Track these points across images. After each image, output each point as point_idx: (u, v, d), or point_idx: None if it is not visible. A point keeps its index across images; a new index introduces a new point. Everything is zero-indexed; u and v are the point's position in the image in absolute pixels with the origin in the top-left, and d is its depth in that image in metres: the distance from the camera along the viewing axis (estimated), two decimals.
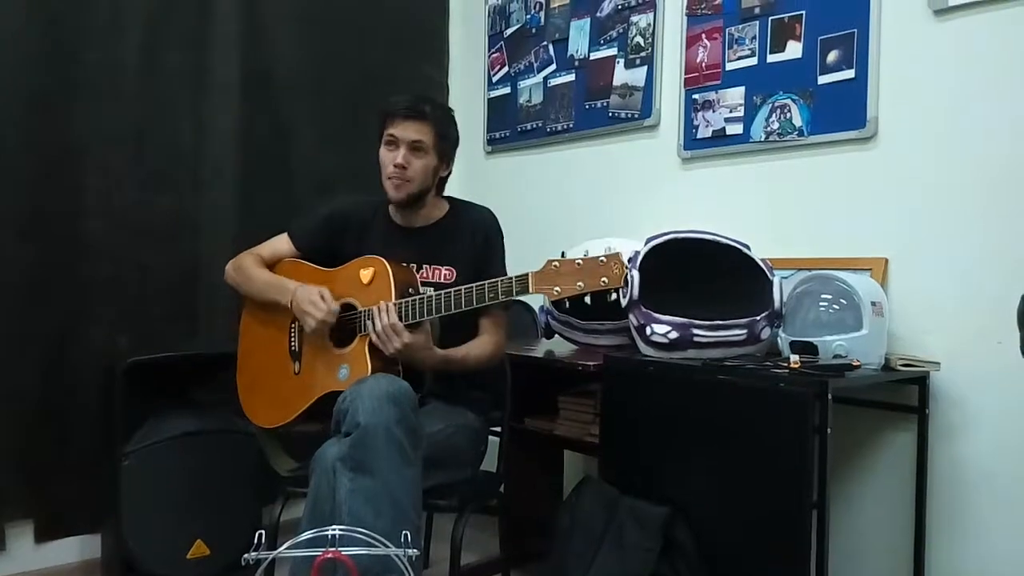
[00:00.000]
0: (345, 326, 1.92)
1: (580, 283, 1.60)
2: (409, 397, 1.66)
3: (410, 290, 1.83)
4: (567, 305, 1.67)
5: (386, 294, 1.83)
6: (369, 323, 1.79)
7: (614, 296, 1.60)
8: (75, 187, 2.41)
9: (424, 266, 2.01)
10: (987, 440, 1.89)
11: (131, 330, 2.48)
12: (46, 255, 2.37)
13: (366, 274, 1.90)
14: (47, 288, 2.37)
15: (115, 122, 2.47)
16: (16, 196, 2.32)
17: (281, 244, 2.12)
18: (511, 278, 1.70)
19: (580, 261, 1.62)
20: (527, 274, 1.68)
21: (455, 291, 1.76)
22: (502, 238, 2.09)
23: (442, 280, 1.99)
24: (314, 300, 1.88)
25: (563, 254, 1.69)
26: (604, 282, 1.58)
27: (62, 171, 2.39)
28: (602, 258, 1.59)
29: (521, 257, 2.06)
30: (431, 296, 1.78)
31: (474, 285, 1.74)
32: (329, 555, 1.29)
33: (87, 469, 2.39)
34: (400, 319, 1.78)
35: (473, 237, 2.03)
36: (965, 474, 1.93)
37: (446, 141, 2.00)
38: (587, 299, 1.62)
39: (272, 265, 2.11)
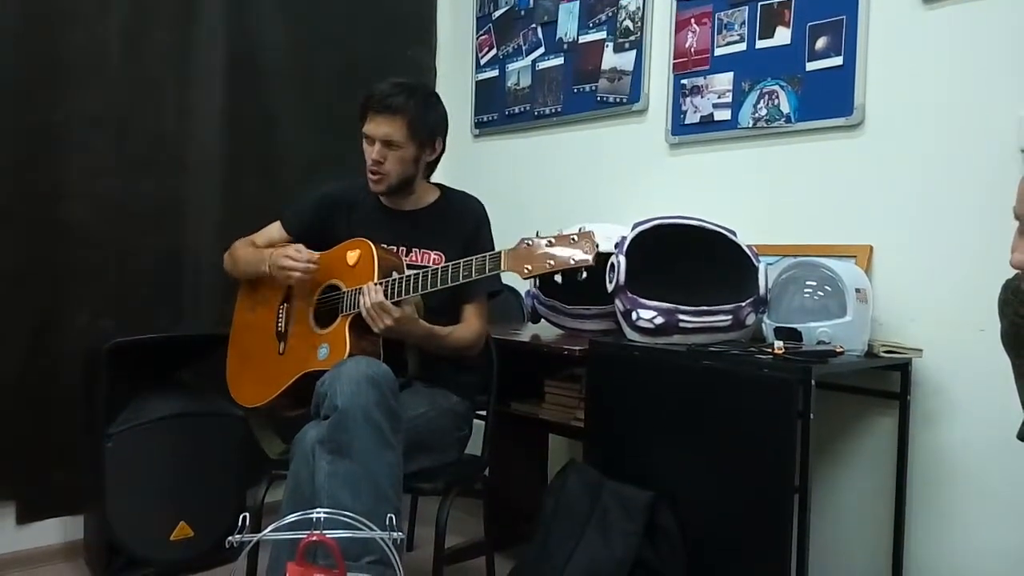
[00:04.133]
0: (328, 306, 1.92)
1: (551, 261, 1.61)
2: (388, 380, 1.67)
3: (394, 273, 1.84)
4: (538, 283, 1.67)
5: (370, 276, 1.83)
6: (361, 298, 1.79)
7: (584, 275, 1.60)
8: (57, 171, 2.38)
9: (413, 249, 2.02)
10: (967, 427, 1.91)
11: (114, 315, 2.46)
12: (28, 239, 2.33)
13: (352, 256, 1.91)
14: (29, 272, 2.34)
15: (98, 106, 2.43)
16: None
17: (274, 231, 2.14)
18: (484, 256, 1.71)
19: (552, 240, 1.62)
20: (500, 252, 1.69)
21: (432, 270, 1.77)
22: (490, 227, 2.10)
23: (431, 264, 1.99)
24: (288, 254, 1.92)
25: (537, 233, 1.68)
26: (574, 261, 1.58)
27: (44, 155, 2.35)
28: (573, 237, 1.60)
29: (507, 241, 2.05)
30: (410, 275, 1.79)
31: (450, 264, 1.75)
32: (313, 538, 1.29)
33: (70, 450, 2.38)
34: (385, 298, 1.79)
35: (464, 224, 2.04)
36: (945, 460, 1.95)
37: (423, 130, 1.97)
38: (557, 278, 1.62)
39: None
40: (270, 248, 2.02)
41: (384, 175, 1.96)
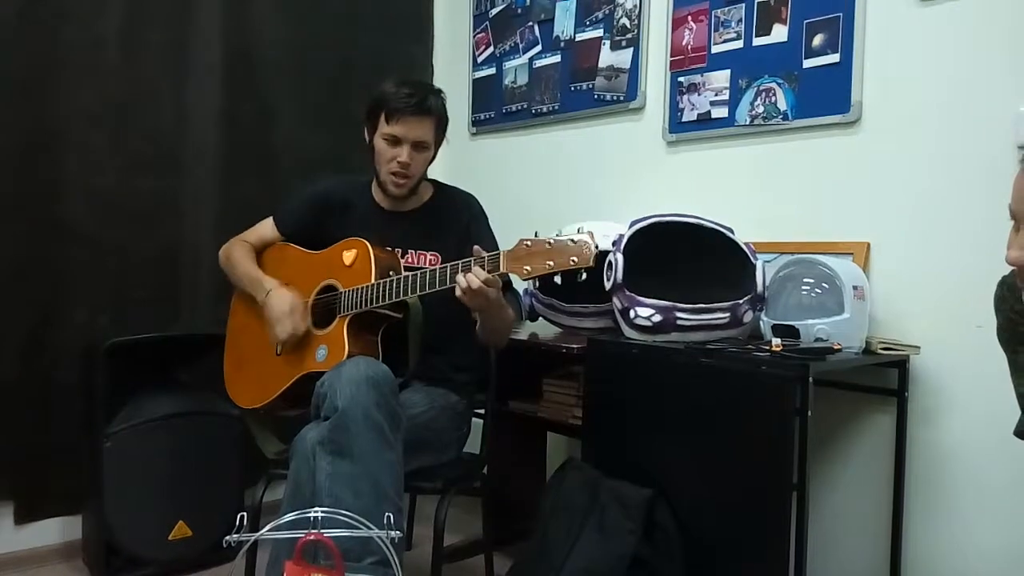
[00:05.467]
0: (326, 307, 1.92)
1: (550, 262, 1.60)
2: (388, 380, 1.66)
3: (391, 273, 1.83)
4: (537, 284, 1.65)
5: (367, 276, 1.83)
6: (460, 277, 1.68)
7: (584, 276, 1.60)
8: (54, 168, 2.37)
9: (409, 251, 2.01)
10: (965, 423, 1.91)
11: (112, 312, 2.45)
12: (26, 237, 2.33)
13: (348, 255, 1.90)
14: (27, 270, 2.33)
15: (95, 102, 2.42)
16: None
17: (266, 229, 2.13)
18: (483, 257, 1.70)
19: (551, 241, 1.61)
20: (498, 253, 1.68)
21: (431, 270, 1.75)
22: (486, 217, 2.09)
23: (427, 266, 1.98)
24: (281, 319, 1.90)
25: (536, 234, 1.67)
26: (574, 261, 1.57)
27: (42, 153, 2.35)
28: (573, 238, 1.59)
29: (504, 239, 2.05)
30: (408, 275, 1.78)
31: (448, 265, 1.73)
32: (311, 537, 1.29)
33: (68, 450, 2.37)
34: (381, 299, 1.78)
35: (457, 222, 2.04)
36: (943, 456, 1.95)
37: (444, 131, 2.00)
38: (557, 279, 1.61)
39: (261, 250, 2.11)
40: (272, 279, 2.00)
41: (411, 177, 1.97)
